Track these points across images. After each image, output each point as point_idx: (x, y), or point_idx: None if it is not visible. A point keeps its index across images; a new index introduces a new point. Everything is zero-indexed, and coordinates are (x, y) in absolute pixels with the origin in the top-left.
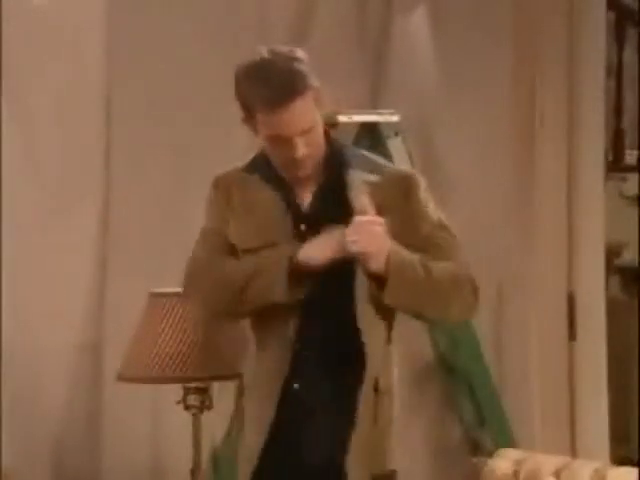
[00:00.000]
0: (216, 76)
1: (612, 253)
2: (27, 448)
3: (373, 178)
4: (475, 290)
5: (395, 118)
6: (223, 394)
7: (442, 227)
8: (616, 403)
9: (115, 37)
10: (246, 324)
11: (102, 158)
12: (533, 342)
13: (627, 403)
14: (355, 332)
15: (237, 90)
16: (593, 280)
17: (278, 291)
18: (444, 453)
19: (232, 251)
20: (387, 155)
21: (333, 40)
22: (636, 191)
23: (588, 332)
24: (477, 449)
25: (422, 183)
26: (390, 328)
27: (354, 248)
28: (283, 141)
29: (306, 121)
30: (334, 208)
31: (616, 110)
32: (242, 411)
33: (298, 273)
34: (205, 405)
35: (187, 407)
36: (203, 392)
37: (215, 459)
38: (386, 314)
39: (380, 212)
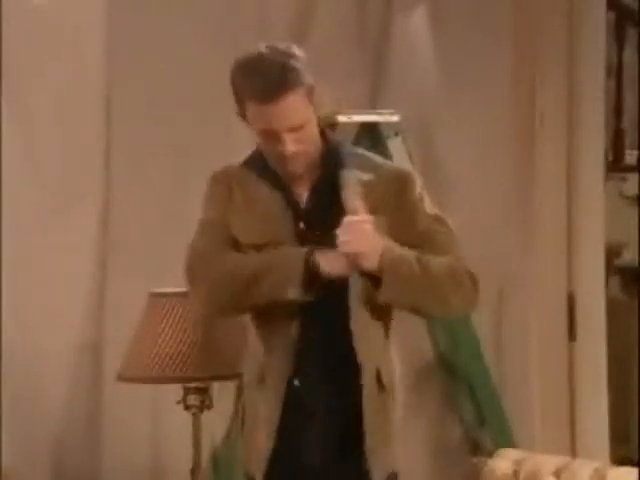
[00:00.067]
0: (216, 76)
1: (612, 253)
2: (27, 448)
3: (369, 176)
4: (475, 283)
5: (395, 118)
6: (223, 394)
7: (439, 221)
8: (616, 403)
9: (115, 37)
10: (248, 324)
11: (102, 158)
12: (533, 342)
13: (627, 403)
14: (351, 333)
15: (232, 83)
16: (593, 280)
17: (292, 289)
18: (444, 453)
19: (234, 244)
20: (387, 155)
21: (333, 40)
22: (636, 191)
23: (588, 332)
24: (477, 449)
25: (418, 180)
26: (387, 327)
27: (346, 248)
28: (273, 136)
29: (296, 117)
30: (330, 207)
31: (616, 110)
32: (243, 410)
33: (312, 274)
34: (205, 405)
35: (187, 407)
36: (203, 392)
37: (215, 459)
38: (382, 314)
39: (376, 209)
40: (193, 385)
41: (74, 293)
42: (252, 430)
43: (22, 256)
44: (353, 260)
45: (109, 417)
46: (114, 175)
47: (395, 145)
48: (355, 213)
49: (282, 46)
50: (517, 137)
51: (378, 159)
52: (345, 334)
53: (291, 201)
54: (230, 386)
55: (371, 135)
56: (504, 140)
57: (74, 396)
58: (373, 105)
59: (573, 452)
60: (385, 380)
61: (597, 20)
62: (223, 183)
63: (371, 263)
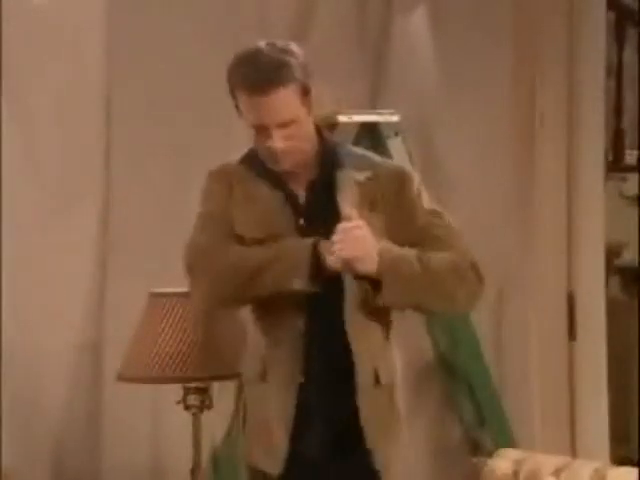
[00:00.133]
0: (216, 76)
1: (612, 253)
2: (27, 448)
3: (366, 175)
4: (479, 275)
5: (395, 118)
6: (223, 394)
7: (438, 216)
8: (616, 403)
9: (115, 37)
10: (248, 323)
11: (102, 158)
12: (533, 342)
13: (627, 403)
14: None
15: (227, 74)
16: (593, 280)
17: (298, 279)
18: (444, 453)
19: (234, 238)
20: (387, 155)
21: (333, 40)
22: (636, 191)
23: (588, 332)
24: (477, 449)
25: (416, 177)
26: (387, 327)
27: (340, 254)
28: (263, 131)
29: (286, 112)
30: (328, 205)
31: (616, 110)
32: (244, 408)
33: (318, 265)
34: (205, 405)
35: (187, 407)
36: (203, 392)
37: (215, 459)
38: (380, 315)
39: (375, 208)
40: (193, 385)
41: (74, 293)
42: (260, 426)
43: (22, 256)
44: (349, 265)
45: (109, 417)
46: (114, 175)
47: (395, 145)
48: (349, 219)
49: (281, 43)
50: (517, 137)
51: (376, 158)
52: (343, 332)
53: (290, 198)
54: (230, 386)
55: (371, 135)
56: (504, 140)
57: (74, 396)
58: (373, 105)
59: (573, 452)
60: (384, 380)
61: (597, 20)
62: (223, 179)
63: (368, 267)
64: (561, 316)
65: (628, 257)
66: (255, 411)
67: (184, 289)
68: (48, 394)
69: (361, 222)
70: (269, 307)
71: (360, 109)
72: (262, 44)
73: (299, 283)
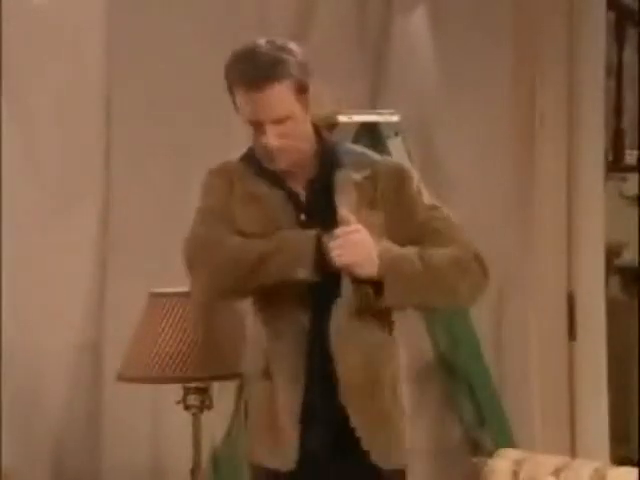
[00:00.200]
0: (216, 76)
1: (612, 253)
2: (27, 448)
3: (364, 174)
4: (483, 267)
5: (395, 118)
6: (223, 394)
7: (438, 210)
8: (616, 403)
9: (115, 37)
10: (248, 323)
11: (102, 158)
12: (533, 342)
13: (627, 403)
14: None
15: (224, 70)
16: (593, 280)
17: (302, 269)
18: (444, 453)
19: (235, 232)
20: (387, 155)
21: (333, 40)
22: (636, 191)
23: (588, 332)
24: (477, 449)
25: (415, 174)
26: (388, 324)
27: (340, 261)
28: (258, 127)
29: (281, 108)
30: (327, 202)
31: (616, 110)
32: (246, 403)
33: (322, 255)
34: (205, 405)
35: (187, 407)
36: (203, 392)
37: (215, 459)
38: (381, 315)
39: (375, 206)
40: (193, 385)
41: (74, 293)
42: (266, 423)
43: (22, 256)
44: (348, 270)
45: (109, 417)
46: (114, 175)
47: (395, 145)
48: (347, 223)
49: (279, 41)
50: (517, 137)
51: (375, 156)
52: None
53: (291, 196)
54: (230, 386)
55: (371, 135)
56: (504, 140)
57: (74, 396)
58: (373, 105)
59: (573, 452)
60: (384, 377)
61: (597, 20)
62: (223, 176)
63: (368, 271)
64: (561, 316)
65: (628, 257)
66: (259, 408)
67: (184, 289)
68: (48, 394)
69: (359, 226)
70: (272, 303)
71: (360, 109)
72: (260, 41)
73: (303, 272)
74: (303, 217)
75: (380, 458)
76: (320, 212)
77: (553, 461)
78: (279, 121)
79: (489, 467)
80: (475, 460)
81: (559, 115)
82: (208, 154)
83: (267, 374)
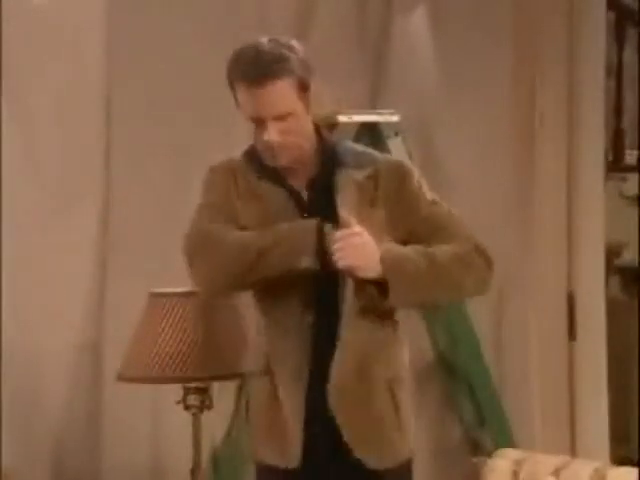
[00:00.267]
0: (216, 76)
1: (612, 253)
2: (27, 448)
3: (365, 173)
4: (487, 259)
5: (395, 118)
6: (223, 394)
7: (439, 205)
8: (616, 403)
9: (115, 37)
10: (248, 322)
11: (102, 158)
12: (533, 342)
13: (627, 403)
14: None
15: (227, 70)
16: (593, 280)
17: (305, 257)
18: (444, 453)
19: (237, 229)
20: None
21: (333, 40)
22: (636, 191)
23: (588, 332)
24: (477, 449)
25: (415, 170)
26: (392, 323)
27: (342, 264)
28: (260, 124)
29: (282, 105)
30: (327, 205)
31: (616, 110)
32: (247, 402)
33: (322, 244)
34: (205, 405)
35: (187, 407)
36: (203, 392)
37: (215, 459)
38: (385, 315)
39: (377, 204)
40: (193, 385)
41: (74, 293)
42: (269, 420)
43: (22, 256)
44: (351, 273)
45: (109, 417)
46: (114, 175)
47: (395, 145)
48: (347, 225)
49: (282, 39)
50: (517, 137)
51: (375, 154)
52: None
53: (293, 194)
54: (230, 386)
55: (371, 135)
56: (504, 140)
57: (74, 396)
58: (373, 105)
59: (573, 452)
60: (385, 376)
61: (597, 20)
62: (225, 173)
63: (370, 273)
64: (561, 316)
65: (628, 257)
66: (261, 406)
67: (184, 289)
68: (48, 394)
69: (360, 228)
70: (275, 299)
71: (360, 109)
72: (263, 39)
73: (306, 261)
74: (306, 216)
75: (365, 457)
76: (322, 211)
77: (553, 461)
78: (281, 118)
79: (489, 467)
80: (475, 460)
81: (559, 115)
82: (208, 154)
83: (269, 372)
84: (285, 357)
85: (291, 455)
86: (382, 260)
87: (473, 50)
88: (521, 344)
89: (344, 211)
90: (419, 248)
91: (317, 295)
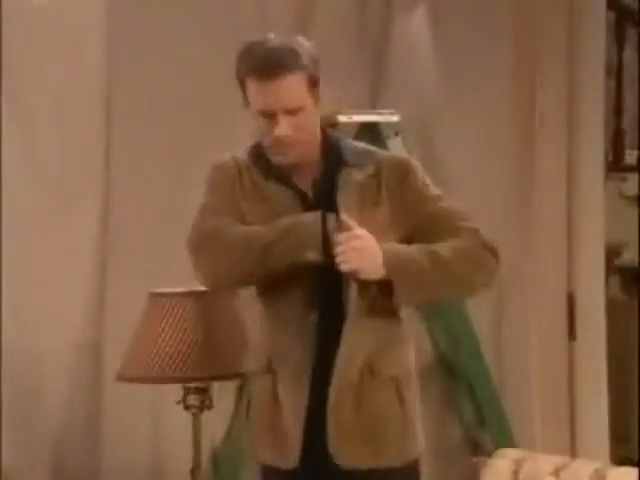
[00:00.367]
0: (216, 76)
1: (612, 253)
2: (27, 448)
3: (368, 172)
4: (493, 252)
5: (395, 118)
6: (223, 394)
7: (443, 200)
8: (616, 403)
9: (115, 37)
10: (248, 323)
11: (102, 158)
12: (533, 342)
13: (627, 403)
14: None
15: (236, 63)
16: (593, 280)
17: (310, 250)
18: (444, 453)
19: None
20: None
21: (333, 40)
22: (636, 191)
23: (588, 332)
24: (477, 449)
25: (419, 166)
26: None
27: (344, 268)
28: (269, 117)
29: (293, 99)
30: (332, 205)
31: (616, 110)
32: (249, 404)
33: (327, 237)
34: (205, 405)
35: (187, 407)
36: (203, 392)
37: (215, 459)
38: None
39: (379, 202)
40: (193, 385)
41: (74, 293)
42: (270, 420)
43: (22, 256)
44: (354, 276)
45: (109, 417)
46: (114, 175)
47: (395, 145)
48: (348, 229)
49: (291, 35)
50: (517, 137)
51: (378, 152)
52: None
53: (298, 194)
54: (230, 386)
55: (371, 135)
56: (504, 140)
57: (74, 396)
58: (373, 105)
59: (573, 452)
60: (391, 375)
61: (597, 20)
62: (228, 172)
63: (373, 275)
64: (561, 316)
65: (628, 257)
66: (262, 404)
67: (184, 289)
68: (48, 394)
69: (361, 231)
70: (278, 295)
71: (360, 109)
72: (270, 35)
73: (312, 254)
74: None
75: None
76: (328, 210)
77: (553, 461)
78: (291, 112)
79: (489, 467)
80: (475, 460)
81: (559, 115)
82: (208, 154)
83: (270, 370)
84: (287, 356)
85: (290, 455)
86: (385, 261)
87: (473, 50)
88: (521, 344)
89: (345, 214)
90: (423, 247)
91: (321, 294)
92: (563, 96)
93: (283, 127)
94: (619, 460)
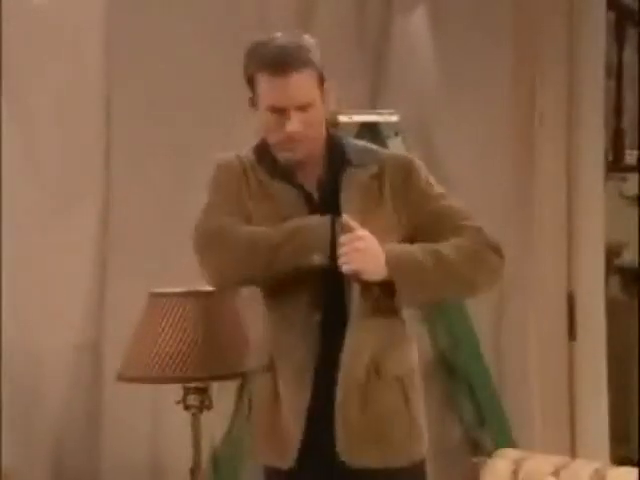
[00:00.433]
0: (216, 76)
1: (612, 253)
2: (27, 448)
3: (371, 172)
4: (497, 251)
5: (395, 118)
6: (223, 394)
7: (446, 198)
8: (616, 403)
9: (115, 37)
10: (249, 323)
11: (102, 158)
12: (533, 342)
13: (627, 403)
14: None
15: (245, 60)
16: (593, 280)
17: (317, 254)
18: (444, 453)
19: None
20: None
21: (333, 40)
22: (636, 191)
23: (588, 332)
24: (477, 449)
25: (422, 165)
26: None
27: (347, 269)
28: (279, 113)
29: (304, 95)
30: (336, 205)
31: (616, 110)
32: (250, 404)
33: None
34: (205, 405)
35: (187, 407)
36: (203, 392)
37: (215, 459)
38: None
39: (382, 202)
40: (193, 385)
41: (74, 293)
42: (270, 420)
43: (22, 256)
44: (356, 277)
45: (109, 417)
46: (114, 175)
47: (395, 145)
48: (350, 230)
49: (297, 34)
50: (517, 137)
51: (381, 151)
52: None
53: (304, 193)
54: (230, 386)
55: (371, 135)
56: (504, 140)
57: (74, 396)
58: (373, 105)
59: (573, 452)
60: (395, 375)
61: (597, 20)
62: (232, 170)
63: (375, 276)
64: (561, 316)
65: (628, 257)
66: (263, 403)
67: (184, 289)
68: (48, 394)
69: (363, 232)
70: (282, 295)
71: (360, 109)
72: (277, 34)
73: (319, 258)
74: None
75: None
76: (333, 212)
77: (553, 461)
78: (302, 108)
79: (489, 467)
80: (475, 460)
81: (559, 115)
82: (208, 154)
83: (272, 369)
84: (290, 355)
85: (288, 455)
86: (387, 262)
87: (473, 50)
88: (521, 344)
89: (347, 215)
90: (426, 246)
91: (325, 294)
92: (563, 96)
93: (295, 123)
94: (619, 460)
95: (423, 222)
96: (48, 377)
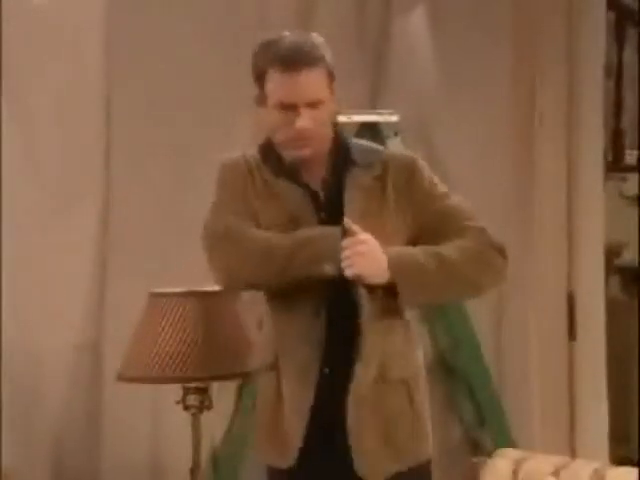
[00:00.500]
0: (216, 76)
1: (612, 253)
2: (27, 448)
3: (374, 173)
4: (500, 251)
5: (395, 118)
6: (223, 394)
7: (450, 198)
8: (616, 403)
9: (115, 37)
10: (248, 323)
11: (102, 158)
12: (533, 342)
13: (627, 403)
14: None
15: (254, 57)
16: (593, 280)
17: (328, 265)
18: (444, 453)
19: (256, 224)
20: None
21: (333, 40)
22: (636, 191)
23: (588, 332)
24: (477, 449)
25: (425, 165)
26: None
27: (349, 273)
28: (291, 110)
29: (314, 92)
30: (340, 205)
31: (616, 110)
32: (253, 404)
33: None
34: (205, 405)
35: (187, 407)
36: (203, 392)
37: (215, 459)
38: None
39: (385, 203)
40: (193, 385)
41: (74, 293)
42: (273, 419)
43: (22, 256)
44: (359, 280)
45: (109, 417)
46: (114, 175)
47: (395, 145)
48: (352, 234)
49: (306, 32)
50: (516, 137)
51: (385, 152)
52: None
53: (310, 192)
54: (230, 386)
55: (371, 135)
56: (504, 140)
57: (74, 396)
58: (373, 105)
59: (573, 452)
60: (401, 377)
61: (597, 20)
62: (241, 169)
63: (378, 279)
64: (561, 316)
65: (628, 257)
66: (266, 403)
67: (184, 289)
68: (48, 394)
69: (366, 236)
70: (288, 297)
71: (360, 109)
72: (285, 32)
73: (330, 268)
74: (323, 215)
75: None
76: (338, 212)
77: (553, 461)
78: (313, 105)
79: (489, 467)
80: (475, 460)
81: (558, 115)
82: (208, 154)
83: (275, 369)
84: (295, 355)
85: (289, 454)
86: (389, 265)
87: (473, 50)
88: (521, 344)
89: (349, 218)
90: (428, 248)
91: (331, 296)
92: (563, 96)
93: (305, 119)
94: (619, 460)
95: (428, 222)
96: (48, 377)
